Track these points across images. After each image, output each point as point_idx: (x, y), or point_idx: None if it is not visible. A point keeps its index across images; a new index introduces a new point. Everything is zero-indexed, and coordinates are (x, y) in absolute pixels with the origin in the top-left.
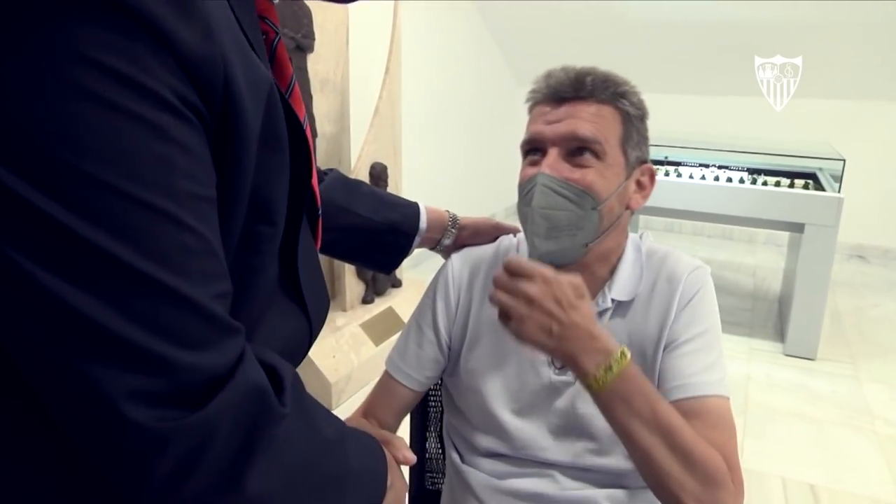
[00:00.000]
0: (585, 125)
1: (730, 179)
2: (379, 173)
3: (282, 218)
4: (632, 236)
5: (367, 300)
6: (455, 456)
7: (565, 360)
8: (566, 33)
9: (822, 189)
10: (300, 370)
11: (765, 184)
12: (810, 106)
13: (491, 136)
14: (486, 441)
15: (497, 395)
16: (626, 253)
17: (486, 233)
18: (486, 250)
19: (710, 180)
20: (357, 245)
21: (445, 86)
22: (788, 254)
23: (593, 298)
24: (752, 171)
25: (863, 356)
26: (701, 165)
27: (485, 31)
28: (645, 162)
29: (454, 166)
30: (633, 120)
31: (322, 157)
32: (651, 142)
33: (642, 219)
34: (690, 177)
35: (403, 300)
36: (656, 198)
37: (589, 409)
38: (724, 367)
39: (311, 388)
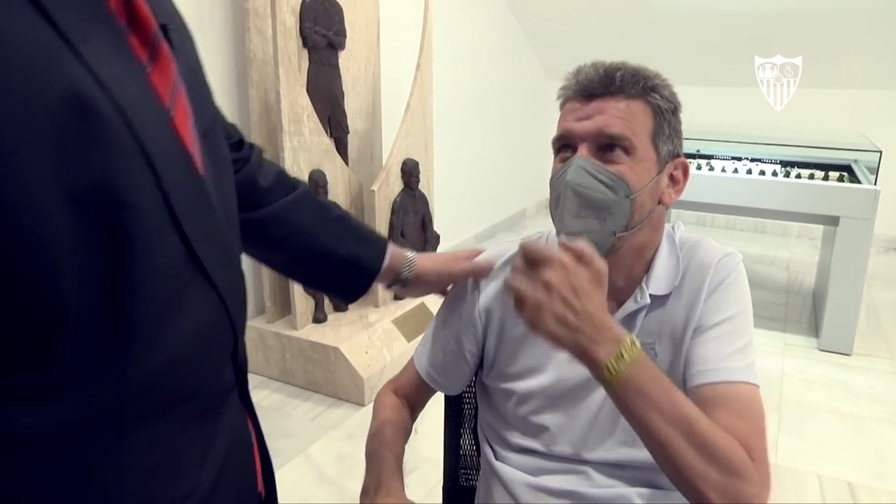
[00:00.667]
0: (614, 121)
1: (763, 172)
2: (410, 169)
3: (142, 198)
4: (666, 228)
5: (399, 296)
6: (489, 452)
7: (577, 351)
8: (596, 27)
9: (858, 181)
10: (332, 364)
11: (798, 176)
12: (844, 97)
13: (522, 130)
14: (519, 438)
15: (533, 394)
16: (662, 247)
17: (440, 272)
18: (512, 250)
19: (742, 173)
20: (314, 272)
21: (476, 81)
22: (822, 247)
23: (631, 295)
24: (785, 164)
25: None
26: (733, 158)
27: (515, 26)
28: (678, 156)
29: (484, 161)
30: (664, 114)
31: (354, 154)
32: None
33: (674, 213)
34: (723, 170)
35: (435, 296)
36: (688, 191)
37: None
38: (754, 355)
39: (344, 384)
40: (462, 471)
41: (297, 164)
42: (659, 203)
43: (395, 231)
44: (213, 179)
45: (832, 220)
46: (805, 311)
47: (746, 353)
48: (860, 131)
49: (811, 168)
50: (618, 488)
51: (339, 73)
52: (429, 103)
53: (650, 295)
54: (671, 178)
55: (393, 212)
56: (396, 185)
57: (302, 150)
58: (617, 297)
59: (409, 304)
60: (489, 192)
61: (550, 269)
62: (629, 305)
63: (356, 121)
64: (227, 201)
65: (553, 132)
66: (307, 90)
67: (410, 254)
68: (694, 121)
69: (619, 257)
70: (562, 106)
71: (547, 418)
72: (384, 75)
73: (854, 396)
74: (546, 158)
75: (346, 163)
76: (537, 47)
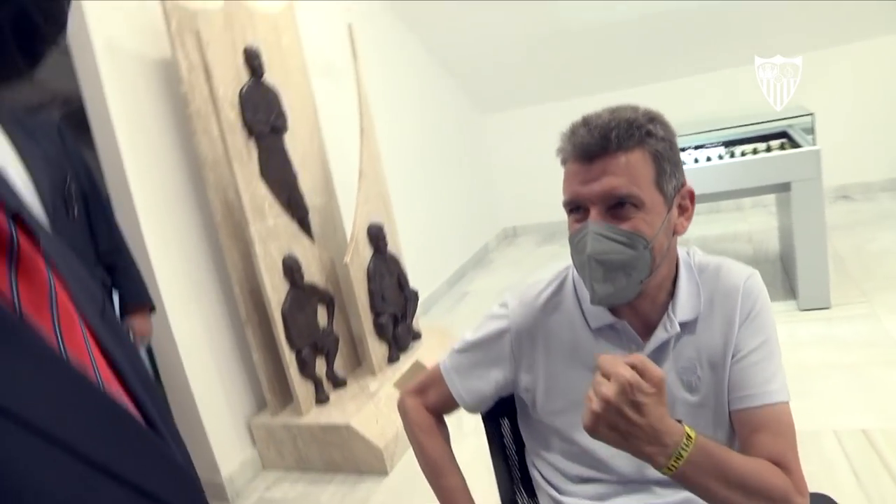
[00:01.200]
0: (620, 181)
1: (709, 158)
2: (377, 233)
3: None
4: (681, 255)
5: (392, 359)
6: (551, 491)
7: (634, 453)
8: (511, 52)
9: (798, 144)
10: (346, 442)
11: (743, 154)
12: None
13: (467, 166)
14: (578, 470)
15: (577, 427)
16: (681, 274)
17: None
18: (544, 294)
19: (690, 163)
20: None
21: (413, 130)
22: (779, 213)
23: (658, 323)
24: (727, 145)
25: (875, 291)
26: (681, 149)
27: (437, 67)
28: (683, 185)
29: (439, 207)
30: (662, 154)
31: (318, 230)
32: None
33: None
34: None
35: (427, 350)
36: None
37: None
38: (784, 371)
39: (363, 458)
40: None
41: (269, 255)
42: (673, 234)
43: (375, 298)
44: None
45: (784, 187)
46: (777, 277)
47: (780, 372)
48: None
49: (752, 143)
50: (682, 493)
51: (288, 155)
52: (379, 165)
53: (679, 323)
54: (680, 207)
55: (370, 279)
56: (366, 253)
57: (270, 238)
58: (646, 326)
59: (405, 364)
60: (450, 235)
61: (610, 385)
62: (660, 335)
63: (313, 197)
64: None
65: (492, 159)
66: (262, 178)
67: None
68: None
69: (644, 294)
70: (563, 164)
71: (600, 447)
72: (329, 147)
73: (844, 346)
74: (495, 186)
75: (313, 241)
76: (462, 83)
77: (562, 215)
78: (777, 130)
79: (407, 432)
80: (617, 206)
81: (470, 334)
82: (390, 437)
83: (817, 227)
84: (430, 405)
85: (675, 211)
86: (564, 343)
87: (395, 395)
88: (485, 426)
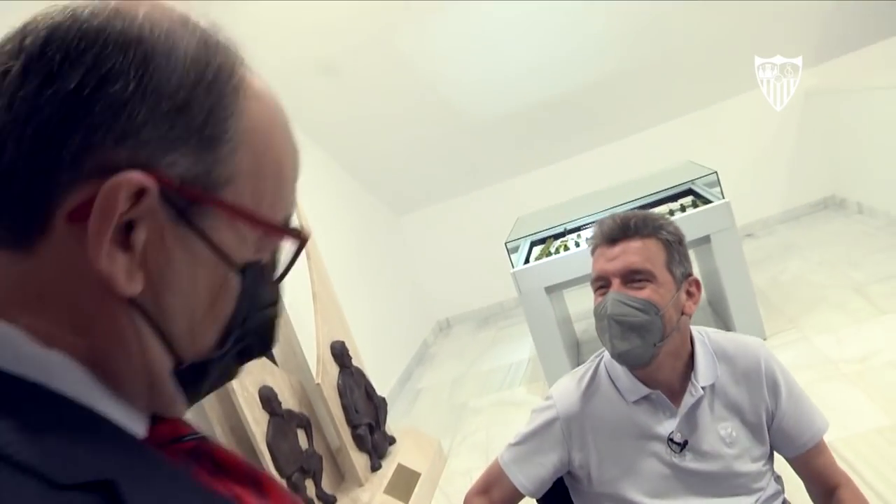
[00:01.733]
0: (636, 259)
1: None
2: (340, 350)
3: None
4: (695, 334)
5: (375, 467)
6: None
7: None
8: (416, 152)
9: (706, 199)
10: None
11: None
12: (660, 132)
13: (395, 267)
14: None
15: (633, 489)
16: (696, 347)
17: None
18: (583, 383)
19: None
20: None
21: (339, 242)
22: (699, 262)
23: (684, 391)
24: (642, 210)
25: (799, 316)
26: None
27: (349, 178)
28: (690, 275)
29: (376, 312)
30: (672, 245)
31: (280, 357)
32: (544, 222)
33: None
34: (587, 240)
35: (405, 452)
36: (575, 268)
37: (704, 458)
38: (809, 398)
39: None
40: None
41: (245, 389)
42: (682, 314)
43: (350, 412)
44: None
45: (703, 240)
46: (710, 320)
47: (811, 403)
48: (686, 159)
49: (663, 204)
50: None
51: None
52: (329, 285)
53: (702, 387)
54: (688, 292)
55: (341, 395)
56: (333, 370)
57: (245, 374)
58: (673, 394)
59: (388, 469)
60: (392, 337)
61: None
62: (687, 400)
63: None
64: None
65: (415, 256)
66: None
67: None
68: (547, 201)
69: (661, 361)
70: (592, 251)
71: (650, 501)
72: None
73: (794, 372)
74: (423, 283)
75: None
76: (374, 190)
77: (492, 300)
78: (684, 189)
79: None
80: (633, 280)
81: (523, 428)
82: None
83: (740, 269)
84: (495, 501)
85: (683, 294)
86: (608, 420)
87: (388, 500)
88: None
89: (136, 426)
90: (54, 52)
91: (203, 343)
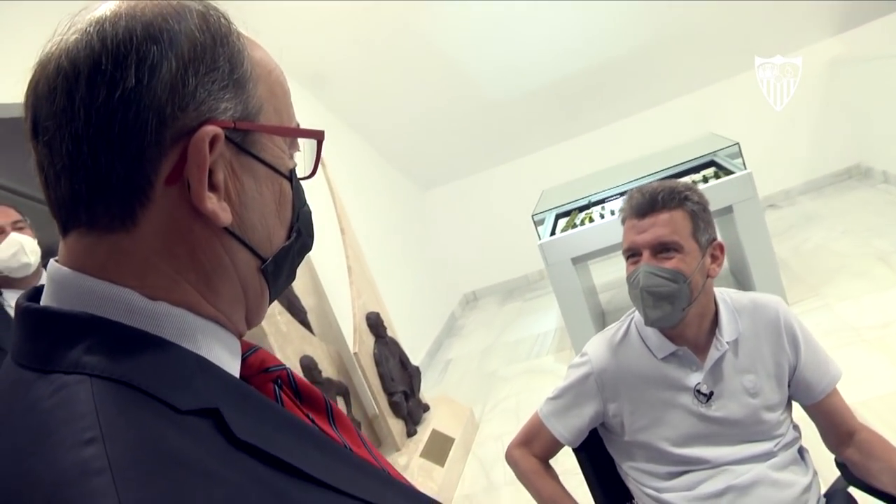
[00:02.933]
0: (664, 231)
1: None
2: (375, 321)
3: None
4: (717, 293)
5: (410, 433)
6: (649, 491)
7: None
8: (441, 128)
9: (728, 170)
10: None
11: None
12: (686, 103)
13: (422, 241)
14: (667, 468)
15: (662, 438)
16: (720, 306)
17: None
18: (615, 339)
19: None
20: None
21: (369, 217)
22: (722, 233)
23: (709, 346)
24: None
25: (822, 285)
26: (621, 195)
27: (375, 155)
28: (714, 239)
29: (408, 286)
30: (697, 214)
31: (317, 329)
32: (569, 195)
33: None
34: (612, 212)
35: (439, 418)
36: (599, 239)
37: (728, 408)
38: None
39: None
40: None
41: (287, 359)
42: (708, 277)
43: (386, 380)
44: None
45: (726, 210)
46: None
47: (825, 351)
48: (709, 131)
49: (685, 175)
50: (755, 470)
51: None
52: (363, 259)
53: (726, 342)
54: (712, 256)
55: (378, 364)
56: (369, 340)
57: (286, 344)
58: (698, 349)
59: (423, 435)
60: (421, 310)
61: None
62: (713, 354)
63: (306, 299)
64: None
65: (442, 230)
66: None
67: None
68: (576, 176)
69: (689, 321)
70: (623, 222)
71: (685, 451)
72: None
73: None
74: (449, 256)
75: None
76: (400, 166)
77: (516, 273)
78: (706, 161)
79: (520, 479)
80: (662, 251)
81: (560, 383)
82: None
83: (763, 239)
84: (535, 452)
85: (708, 258)
86: (638, 374)
87: (425, 463)
88: (576, 456)
89: (231, 365)
90: (106, 64)
91: (277, 240)
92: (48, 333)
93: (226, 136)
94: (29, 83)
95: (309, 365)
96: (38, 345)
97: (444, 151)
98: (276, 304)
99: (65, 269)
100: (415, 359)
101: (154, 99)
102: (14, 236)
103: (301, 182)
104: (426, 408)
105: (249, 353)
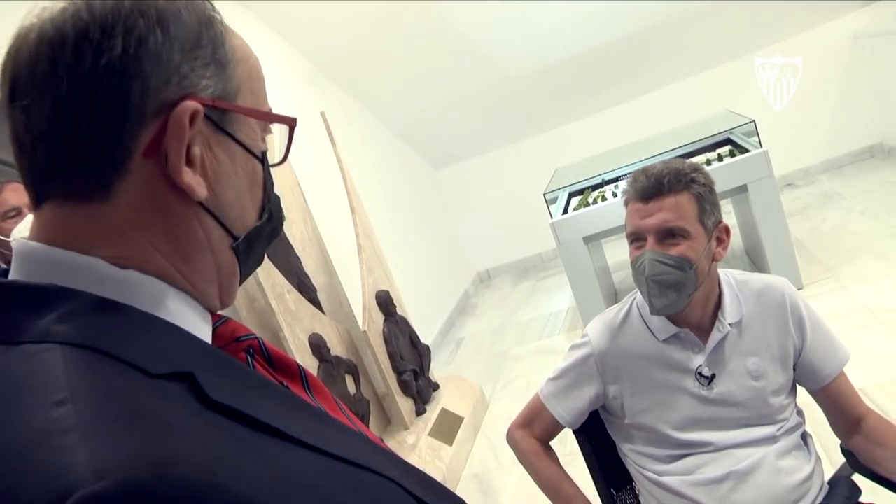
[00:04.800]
0: (670, 216)
1: None
2: (385, 299)
3: None
4: (721, 275)
5: (420, 412)
6: (649, 474)
7: None
8: (454, 106)
9: (744, 149)
10: None
11: None
12: (699, 81)
13: (434, 220)
14: (667, 451)
15: (663, 421)
16: (723, 288)
17: None
18: (616, 321)
19: None
20: None
21: (381, 196)
22: (737, 212)
23: (712, 328)
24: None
25: (838, 266)
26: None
27: (388, 133)
28: (720, 222)
29: (418, 264)
30: (704, 196)
31: (327, 307)
32: (583, 173)
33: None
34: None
35: (449, 397)
36: (612, 219)
37: (730, 391)
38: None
39: None
40: None
41: (296, 337)
42: (713, 261)
43: (395, 358)
44: None
45: (741, 189)
46: (747, 270)
47: (833, 334)
48: (726, 108)
49: (700, 154)
50: (757, 454)
51: (289, 241)
52: (373, 237)
53: (729, 324)
54: (718, 239)
55: (387, 342)
56: (379, 318)
57: (295, 322)
58: (701, 331)
59: (432, 414)
60: (434, 288)
61: None
62: (715, 336)
63: (316, 278)
64: None
65: (454, 209)
66: (276, 268)
67: None
68: (588, 155)
69: (693, 305)
70: (626, 204)
71: (684, 434)
72: (320, 226)
73: (825, 320)
74: (462, 235)
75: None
76: (413, 144)
77: (530, 252)
78: (721, 139)
79: (520, 460)
80: (668, 236)
81: (561, 363)
82: (440, 481)
83: (778, 219)
84: (536, 434)
85: (713, 242)
86: (639, 355)
87: (433, 442)
88: (577, 439)
89: (203, 332)
90: (94, 32)
91: (249, 220)
92: (17, 306)
93: (205, 114)
94: (7, 53)
95: (318, 343)
96: (7, 318)
97: (458, 129)
98: (285, 282)
99: (32, 243)
100: (427, 337)
101: (139, 70)
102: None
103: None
104: (436, 386)
105: (220, 324)
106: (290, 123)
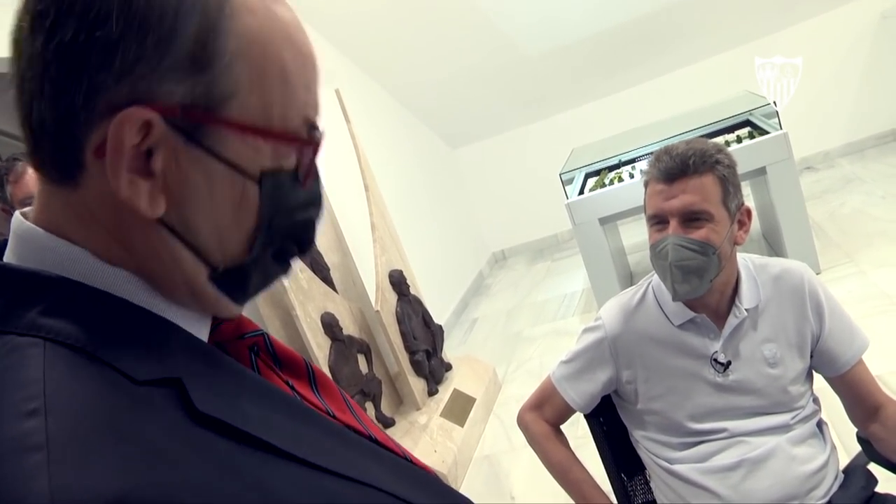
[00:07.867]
0: (695, 199)
1: None
2: (398, 279)
3: None
4: (739, 259)
5: (432, 392)
6: (661, 462)
7: None
8: (471, 84)
9: (764, 130)
10: None
11: None
12: (719, 62)
13: (449, 200)
14: (683, 439)
15: (677, 408)
16: (741, 273)
17: None
18: (630, 305)
19: None
20: None
21: (396, 174)
22: (755, 195)
23: (728, 313)
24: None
25: (856, 251)
26: (651, 155)
27: (403, 111)
28: (742, 204)
29: (432, 244)
30: (728, 178)
31: (340, 286)
32: (599, 154)
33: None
34: (642, 172)
35: (462, 378)
36: (629, 200)
37: (747, 378)
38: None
39: None
40: None
41: (308, 315)
42: (734, 244)
43: (408, 338)
44: None
45: (760, 172)
46: (765, 254)
47: (852, 321)
48: (745, 89)
49: (719, 135)
50: (772, 442)
51: None
52: (387, 216)
53: (745, 309)
54: (740, 222)
55: (400, 322)
56: (392, 298)
57: (307, 301)
58: (717, 316)
59: (444, 394)
60: (448, 268)
61: None
62: (731, 321)
63: (329, 256)
64: None
65: (470, 189)
66: None
67: None
68: (605, 136)
69: (712, 290)
70: (646, 185)
71: (698, 423)
72: (335, 205)
73: (843, 305)
74: (478, 215)
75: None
76: (429, 123)
77: (546, 232)
78: (741, 121)
79: (530, 443)
80: (691, 219)
81: (574, 346)
82: (450, 462)
83: (796, 202)
84: (547, 417)
85: (735, 225)
86: (654, 340)
87: (444, 423)
88: (588, 423)
89: (200, 330)
90: (48, 9)
91: (233, 250)
92: (5, 291)
93: (170, 123)
94: None
95: (330, 322)
96: None
97: (475, 108)
98: (298, 259)
99: (27, 223)
100: (441, 318)
101: (87, 60)
102: None
103: (301, 183)
104: (448, 367)
105: (224, 320)
106: (309, 145)
